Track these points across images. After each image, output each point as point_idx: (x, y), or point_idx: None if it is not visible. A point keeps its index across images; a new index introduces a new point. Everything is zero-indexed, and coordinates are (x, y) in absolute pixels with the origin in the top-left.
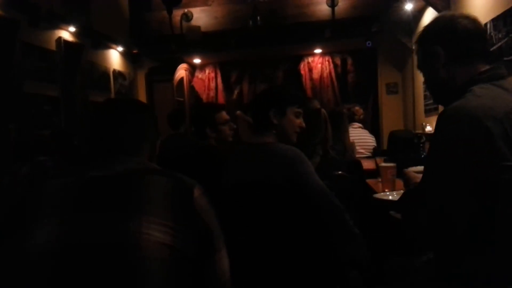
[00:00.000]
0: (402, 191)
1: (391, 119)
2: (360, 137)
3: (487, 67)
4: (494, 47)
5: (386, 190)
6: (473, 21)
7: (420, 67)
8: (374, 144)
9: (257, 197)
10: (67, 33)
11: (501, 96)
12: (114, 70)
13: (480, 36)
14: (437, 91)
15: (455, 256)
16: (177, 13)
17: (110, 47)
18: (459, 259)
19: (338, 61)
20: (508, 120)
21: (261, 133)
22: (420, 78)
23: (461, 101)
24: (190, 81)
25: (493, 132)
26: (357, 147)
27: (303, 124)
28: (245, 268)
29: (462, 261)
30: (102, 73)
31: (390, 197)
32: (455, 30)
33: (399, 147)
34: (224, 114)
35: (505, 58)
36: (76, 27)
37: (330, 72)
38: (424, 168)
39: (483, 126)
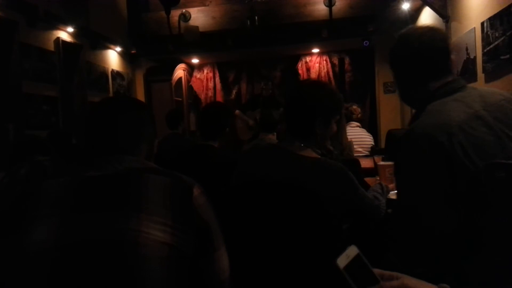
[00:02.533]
0: None
1: (388, 118)
2: (358, 136)
3: (443, 82)
4: (491, 46)
5: None
6: (430, 37)
7: None
8: (372, 143)
9: (282, 198)
10: (65, 34)
11: (454, 109)
12: (112, 70)
13: (437, 52)
14: (407, 104)
15: (445, 267)
16: (175, 13)
17: (108, 48)
18: (450, 268)
19: (336, 61)
20: (461, 131)
21: (298, 139)
22: None
23: (416, 122)
24: (188, 81)
25: (447, 145)
26: (355, 146)
27: (336, 128)
28: (250, 266)
29: (453, 269)
30: (100, 73)
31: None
32: (408, 53)
33: (397, 145)
34: None
35: (502, 57)
36: (74, 28)
37: (327, 72)
38: (397, 190)
39: (437, 142)
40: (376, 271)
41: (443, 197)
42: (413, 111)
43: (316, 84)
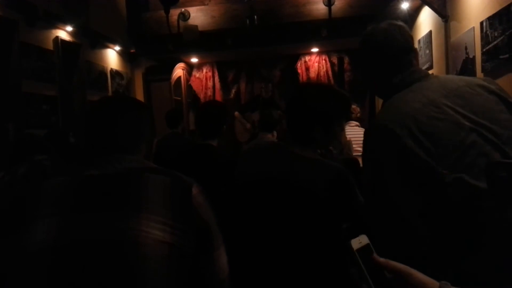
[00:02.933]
0: None
1: None
2: (357, 135)
3: (402, 76)
4: (490, 46)
5: None
6: (388, 34)
7: None
8: None
9: (287, 198)
10: (64, 33)
11: (410, 100)
12: (111, 70)
13: (396, 48)
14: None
15: (443, 266)
16: (174, 13)
17: (108, 47)
18: (450, 267)
19: (335, 60)
20: (413, 120)
21: (298, 142)
22: None
23: (375, 118)
24: (187, 80)
25: (400, 134)
26: (354, 145)
27: (341, 135)
28: (250, 265)
29: (453, 269)
30: (99, 73)
31: None
32: (367, 53)
33: None
34: None
35: (501, 57)
36: (73, 27)
37: (327, 71)
38: (364, 182)
39: (391, 132)
40: (383, 260)
41: (404, 185)
42: None
43: (316, 90)
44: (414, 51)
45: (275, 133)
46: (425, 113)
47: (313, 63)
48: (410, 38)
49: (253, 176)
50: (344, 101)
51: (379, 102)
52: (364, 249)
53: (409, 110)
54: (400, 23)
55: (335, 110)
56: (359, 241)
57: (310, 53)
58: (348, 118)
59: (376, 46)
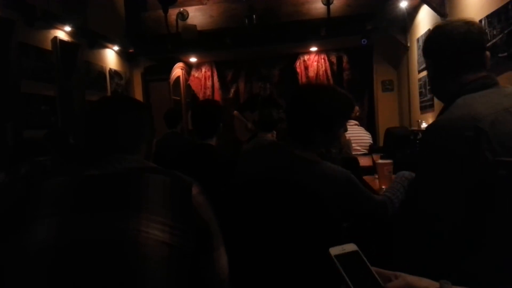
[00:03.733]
0: None
1: (386, 116)
2: (356, 134)
3: (477, 76)
4: (489, 44)
5: (383, 187)
6: (466, 30)
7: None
8: (370, 141)
9: (284, 196)
10: (63, 33)
11: (484, 103)
12: (110, 70)
13: (472, 45)
14: (437, 97)
15: (446, 264)
16: (173, 12)
17: (106, 47)
18: (450, 265)
19: (334, 59)
20: (489, 124)
21: (298, 142)
22: (415, 75)
23: (444, 115)
24: (186, 80)
25: (473, 141)
26: (353, 144)
27: (343, 136)
28: (250, 265)
29: (453, 268)
30: (98, 73)
31: None
32: (443, 44)
33: (395, 144)
34: None
35: (500, 55)
36: (72, 27)
37: (325, 70)
38: (416, 180)
39: (463, 137)
40: (375, 269)
41: (461, 192)
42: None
43: (315, 91)
44: (487, 51)
45: (274, 133)
46: (501, 119)
47: (312, 62)
48: (485, 36)
49: (253, 175)
50: (344, 101)
51: (377, 101)
52: (350, 256)
53: (485, 114)
54: (473, 20)
55: (335, 111)
56: (342, 249)
57: (309, 52)
58: (349, 118)
59: (448, 40)
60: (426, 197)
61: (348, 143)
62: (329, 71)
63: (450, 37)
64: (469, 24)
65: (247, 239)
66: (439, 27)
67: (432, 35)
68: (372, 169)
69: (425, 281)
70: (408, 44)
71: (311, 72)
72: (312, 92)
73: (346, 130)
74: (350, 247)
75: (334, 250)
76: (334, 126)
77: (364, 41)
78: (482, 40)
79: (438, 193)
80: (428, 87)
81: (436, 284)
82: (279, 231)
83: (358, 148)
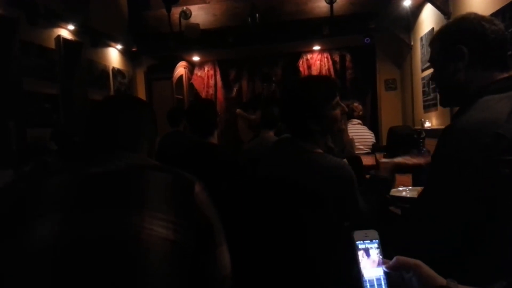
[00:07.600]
0: (412, 187)
1: (390, 115)
2: (359, 133)
3: (503, 76)
4: None
5: None
6: (499, 27)
7: (433, 63)
8: (373, 140)
9: (287, 196)
10: (66, 31)
11: (508, 108)
12: (113, 68)
13: (503, 43)
14: (448, 92)
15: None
16: (176, 11)
17: (109, 45)
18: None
19: (337, 58)
20: (509, 131)
21: (300, 137)
22: (418, 74)
23: (464, 116)
24: (189, 78)
25: (492, 148)
26: (356, 143)
27: (339, 124)
28: (252, 262)
29: (455, 268)
30: (101, 71)
31: (404, 194)
32: (484, 33)
33: (399, 143)
34: None
35: None
36: (75, 25)
37: (328, 69)
38: (428, 179)
39: (482, 143)
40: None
41: (471, 199)
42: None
43: (298, 81)
44: (507, 49)
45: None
46: None
47: (315, 61)
48: (505, 35)
49: (254, 174)
50: (325, 82)
51: (380, 100)
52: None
53: (507, 120)
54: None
55: (319, 93)
56: (365, 234)
57: (312, 51)
58: (335, 96)
59: (496, 31)
60: (432, 200)
61: (351, 142)
62: (332, 70)
63: (491, 30)
64: (498, 22)
65: (249, 237)
66: (475, 18)
67: (469, 24)
68: (375, 168)
69: (436, 275)
70: (412, 43)
71: (314, 71)
72: (296, 82)
73: (345, 111)
74: (372, 233)
75: (357, 235)
76: (324, 109)
77: (367, 40)
78: (507, 40)
79: (445, 200)
80: (432, 86)
81: (444, 280)
82: (281, 228)
83: (361, 147)
